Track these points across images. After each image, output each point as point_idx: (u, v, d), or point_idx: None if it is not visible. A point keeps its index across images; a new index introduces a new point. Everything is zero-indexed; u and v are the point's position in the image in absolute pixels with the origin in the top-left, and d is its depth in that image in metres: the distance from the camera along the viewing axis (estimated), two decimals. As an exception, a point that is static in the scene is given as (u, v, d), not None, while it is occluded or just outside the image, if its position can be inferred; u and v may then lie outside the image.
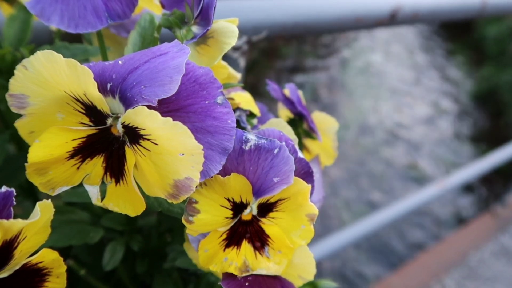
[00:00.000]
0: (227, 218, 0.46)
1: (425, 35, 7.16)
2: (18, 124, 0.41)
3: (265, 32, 0.90)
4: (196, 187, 0.40)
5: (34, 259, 0.40)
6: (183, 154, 0.37)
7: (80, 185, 0.43)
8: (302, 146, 0.75)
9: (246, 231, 0.49)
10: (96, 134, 0.42)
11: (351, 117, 4.81)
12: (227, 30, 0.49)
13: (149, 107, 0.37)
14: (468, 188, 3.93)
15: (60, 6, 0.44)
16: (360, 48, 6.48)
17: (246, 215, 0.48)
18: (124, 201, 0.42)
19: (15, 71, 0.38)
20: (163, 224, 0.71)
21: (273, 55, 5.65)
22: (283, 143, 0.44)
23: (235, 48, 0.88)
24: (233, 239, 0.48)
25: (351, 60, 6.11)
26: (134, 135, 0.39)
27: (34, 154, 0.39)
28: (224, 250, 0.48)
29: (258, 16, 0.88)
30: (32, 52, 0.49)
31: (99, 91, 0.39)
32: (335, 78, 5.59)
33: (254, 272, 0.48)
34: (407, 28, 6.89)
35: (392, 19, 1.11)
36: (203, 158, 0.37)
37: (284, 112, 0.77)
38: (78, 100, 0.40)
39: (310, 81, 5.35)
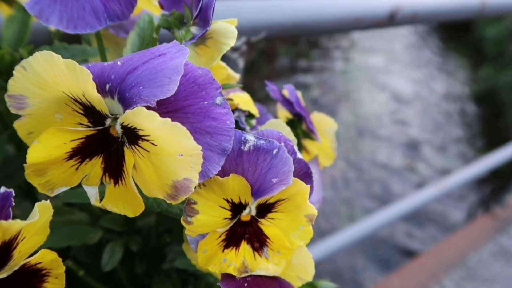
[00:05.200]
0: (226, 219, 0.46)
1: (424, 36, 7.16)
2: (17, 125, 0.41)
3: (264, 33, 0.90)
4: (195, 188, 0.40)
5: (33, 259, 0.40)
6: (181, 155, 0.37)
7: (79, 185, 0.43)
8: (301, 147, 0.75)
9: (245, 231, 0.49)
10: (95, 135, 0.42)
11: (349, 117, 4.81)
12: (226, 31, 0.49)
13: (148, 107, 0.37)
14: (467, 188, 3.94)
15: (59, 7, 0.44)
16: (358, 48, 6.48)
17: (245, 215, 0.48)
18: (123, 202, 0.42)
19: (14, 72, 0.38)
20: (162, 224, 0.71)
21: (272, 56, 5.65)
22: (282, 143, 0.44)
23: (234, 49, 0.88)
24: (232, 239, 0.48)
25: (349, 61, 6.11)
26: (133, 135, 0.39)
27: (33, 155, 0.39)
28: (223, 250, 0.48)
29: (257, 17, 0.88)
30: (31, 53, 0.49)
31: (98, 91, 0.39)
32: (334, 79, 5.59)
33: (253, 273, 0.48)
34: (406, 28, 6.89)
35: (392, 20, 1.11)
36: (202, 158, 0.37)
37: (283, 113, 0.78)
38: (76, 101, 0.40)
39: (309, 82, 5.35)
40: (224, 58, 0.75)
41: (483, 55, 6.29)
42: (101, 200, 0.42)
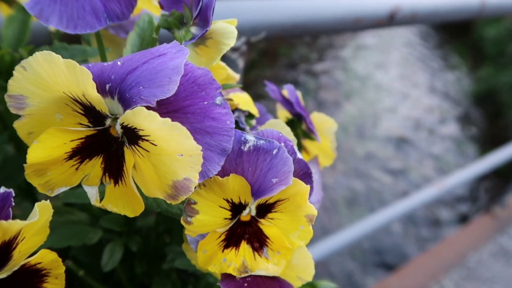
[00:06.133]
0: (225, 219, 0.46)
1: (424, 36, 7.16)
2: (17, 125, 0.41)
3: (264, 33, 0.90)
4: (195, 188, 0.40)
5: (33, 260, 0.40)
6: (181, 155, 0.37)
7: (79, 186, 0.43)
8: (301, 147, 0.75)
9: (245, 232, 0.49)
10: (95, 135, 0.42)
11: (349, 118, 4.81)
12: (226, 31, 0.49)
13: (148, 108, 0.37)
14: (467, 189, 3.94)
15: (58, 7, 0.44)
16: (357, 48, 6.48)
17: (245, 216, 0.48)
18: (123, 202, 0.42)
19: (13, 72, 0.38)
20: (162, 225, 0.71)
21: (272, 56, 5.65)
22: (282, 144, 0.44)
23: (234, 49, 0.88)
24: (231, 240, 0.48)
25: (349, 61, 6.11)
26: (133, 136, 0.39)
27: (33, 155, 0.39)
28: (223, 251, 0.48)
29: (257, 17, 0.88)
30: (30, 53, 0.49)
31: (98, 92, 0.39)
32: (334, 79, 5.59)
33: (253, 273, 0.48)
34: (406, 28, 6.89)
35: (391, 20, 1.11)
36: (202, 159, 0.37)
37: (283, 113, 0.78)
38: (76, 101, 0.40)
39: (309, 82, 5.35)
40: (224, 58, 0.76)
41: (483, 55, 6.28)
42: (101, 200, 0.42)
